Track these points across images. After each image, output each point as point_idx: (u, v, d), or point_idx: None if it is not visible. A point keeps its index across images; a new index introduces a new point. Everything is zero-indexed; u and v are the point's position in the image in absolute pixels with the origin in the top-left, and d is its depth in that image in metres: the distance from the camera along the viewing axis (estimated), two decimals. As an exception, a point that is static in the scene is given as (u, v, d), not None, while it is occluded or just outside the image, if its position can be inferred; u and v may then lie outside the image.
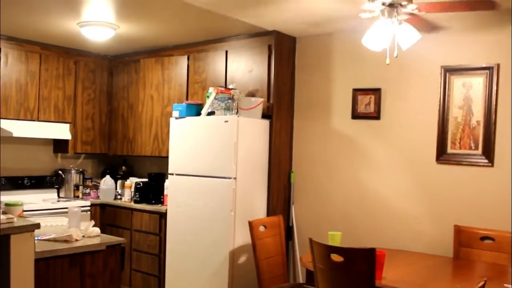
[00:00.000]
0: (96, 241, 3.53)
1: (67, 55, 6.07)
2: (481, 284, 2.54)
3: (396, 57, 3.43)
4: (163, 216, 5.26)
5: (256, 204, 4.82)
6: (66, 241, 3.42)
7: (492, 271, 3.67)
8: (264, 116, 4.88)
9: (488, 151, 4.06)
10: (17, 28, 5.25)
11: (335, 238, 3.85)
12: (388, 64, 3.49)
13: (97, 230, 3.70)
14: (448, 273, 3.74)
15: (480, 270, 3.73)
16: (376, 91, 4.61)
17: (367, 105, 4.67)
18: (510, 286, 3.20)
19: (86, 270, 3.40)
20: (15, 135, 5.42)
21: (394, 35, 3.34)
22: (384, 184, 4.59)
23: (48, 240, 3.43)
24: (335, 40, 4.89)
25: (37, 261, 3.07)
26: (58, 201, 5.92)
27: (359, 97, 4.72)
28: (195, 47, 5.56)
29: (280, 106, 4.99)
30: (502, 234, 3.92)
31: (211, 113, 4.79)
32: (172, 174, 5.06)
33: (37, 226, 3.07)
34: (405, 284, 3.14)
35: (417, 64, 4.40)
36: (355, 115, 4.75)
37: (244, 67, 5.09)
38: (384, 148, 4.59)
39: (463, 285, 3.26)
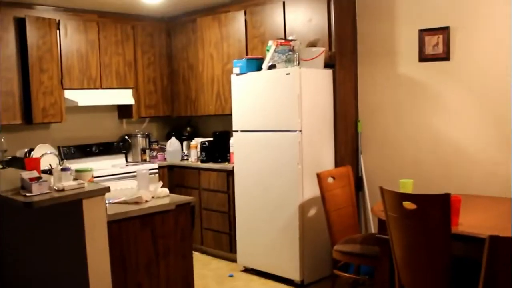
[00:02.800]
0: (166, 201, 3.55)
1: (124, 20, 6.09)
2: None
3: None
4: (230, 173, 5.26)
5: (323, 156, 4.73)
6: (136, 203, 3.45)
7: None
8: (327, 65, 4.73)
9: None
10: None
11: (407, 186, 3.73)
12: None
13: (166, 190, 3.71)
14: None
15: None
16: (445, 30, 4.36)
17: (435, 46, 4.43)
18: None
19: (158, 230, 3.43)
20: (80, 104, 5.52)
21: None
22: (457, 128, 4.39)
23: (119, 203, 3.47)
24: (398, -22, 4.66)
25: (109, 223, 3.11)
26: (126, 165, 6.02)
27: (426, 38, 4.47)
28: (252, 1, 5.44)
29: (342, 54, 4.82)
30: None
31: (272, 67, 4.69)
32: (236, 131, 5.03)
33: (107, 189, 3.11)
34: (484, 229, 2.99)
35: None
36: (423, 58, 4.53)
37: (303, 17, 4.92)
38: (455, 90, 4.37)
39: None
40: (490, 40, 4.15)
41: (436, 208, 2.97)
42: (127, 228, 3.27)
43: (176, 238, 3.54)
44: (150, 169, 5.69)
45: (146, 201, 3.49)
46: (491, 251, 2.42)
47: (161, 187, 3.75)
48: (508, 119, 4.10)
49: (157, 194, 3.65)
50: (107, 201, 3.32)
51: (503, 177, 4.15)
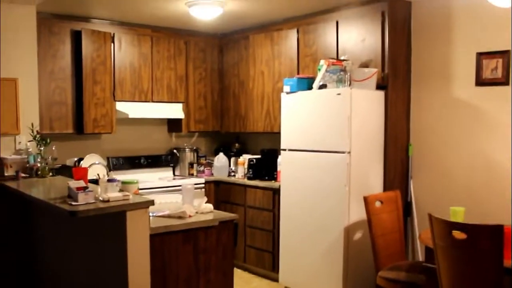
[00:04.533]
0: (209, 217, 3.54)
1: (177, 36, 6.17)
2: None
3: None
4: (276, 192, 5.22)
5: (372, 179, 4.63)
6: (180, 217, 3.45)
7: None
8: (379, 87, 4.65)
9: None
10: (128, 13, 5.41)
11: (458, 214, 3.63)
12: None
13: (210, 206, 3.70)
14: None
15: None
16: (504, 54, 4.21)
17: (494, 69, 4.28)
18: None
19: (200, 245, 3.42)
20: (130, 116, 5.61)
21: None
22: (513, 156, 4.22)
23: (163, 216, 3.48)
24: (454, 0, 4.53)
25: (152, 236, 3.13)
26: (173, 179, 6.06)
27: (484, 62, 4.33)
28: (304, 20, 5.42)
29: (395, 76, 4.73)
30: None
31: (323, 86, 4.65)
32: (284, 149, 5.00)
33: (151, 202, 3.13)
34: (539, 265, 2.86)
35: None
36: (480, 82, 4.38)
37: (356, 36, 4.87)
38: (513, 116, 4.21)
39: None
40: (552, 66, 4.00)
41: (487, 239, 2.87)
42: (169, 242, 3.28)
43: (218, 254, 3.52)
44: (196, 184, 5.71)
45: (190, 216, 3.49)
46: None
47: (206, 202, 3.74)
48: None
49: (201, 210, 3.64)
50: (151, 214, 3.33)
51: (561, 210, 3.97)
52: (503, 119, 4.28)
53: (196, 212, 3.59)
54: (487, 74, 4.33)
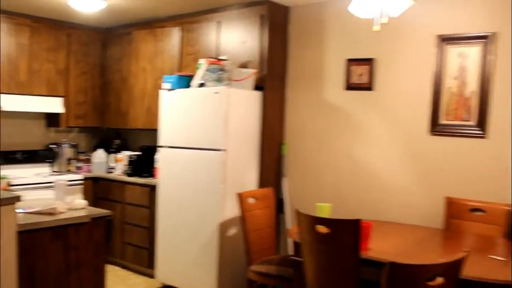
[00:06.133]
0: (82, 213, 3.48)
1: (58, 27, 5.98)
2: (462, 255, 2.48)
3: (386, 23, 3.32)
4: (154, 189, 5.23)
5: (247, 176, 4.77)
6: (50, 213, 3.37)
7: (481, 242, 3.62)
8: (257, 87, 4.80)
9: (482, 122, 3.97)
10: (5, 0, 5.15)
11: (324, 210, 3.80)
12: (377, 31, 3.39)
13: (83, 202, 3.65)
14: (437, 244, 3.69)
15: (469, 241, 3.66)
16: (370, 61, 4.51)
17: (360, 75, 4.57)
18: (496, 257, 3.16)
19: (71, 242, 3.36)
20: (4, 109, 5.37)
21: (383, 1, 3.23)
22: (376, 156, 4.53)
23: (33, 213, 3.38)
24: (329, 9, 4.78)
25: (20, 233, 3.03)
26: (50, 175, 5.87)
27: (352, 68, 4.62)
28: (188, 19, 5.46)
29: (272, 77, 4.90)
30: (493, 206, 3.87)
31: (202, 85, 4.72)
32: (163, 146, 5.00)
33: (17, 198, 3.03)
34: (390, 255, 3.08)
35: (412, 33, 4.29)
36: (348, 86, 4.66)
37: (237, 38, 4.99)
38: (377, 119, 4.52)
39: (451, 257, 3.20)
40: (411, 74, 4.32)
41: (347, 233, 3.02)
42: (38, 239, 3.19)
43: (89, 251, 3.48)
44: (74, 180, 5.58)
45: (61, 212, 3.42)
46: (390, 277, 2.49)
47: (82, 199, 3.68)
48: (423, 150, 4.27)
49: (74, 206, 3.58)
50: (20, 211, 3.25)
51: (415, 206, 4.31)
52: (367, 122, 4.57)
53: (69, 209, 3.54)
54: (354, 79, 4.61)
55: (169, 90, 4.94)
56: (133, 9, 5.42)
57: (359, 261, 3.03)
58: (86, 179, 5.89)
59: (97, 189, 5.95)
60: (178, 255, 4.85)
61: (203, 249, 4.63)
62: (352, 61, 4.62)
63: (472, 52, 4.00)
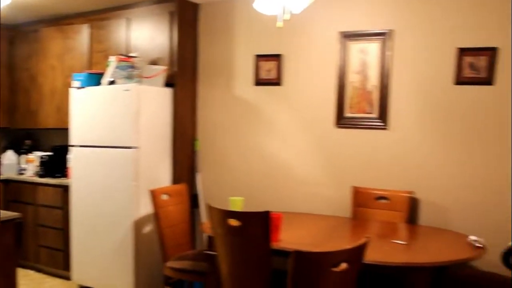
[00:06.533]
0: (-12, 217, 3.40)
1: (-39, 24, 5.76)
2: (362, 241, 2.62)
3: (292, 20, 3.42)
4: (67, 189, 5.13)
5: (160, 173, 4.78)
6: (-47, 218, 3.27)
7: (386, 228, 3.82)
8: (168, 84, 4.81)
9: (383, 114, 4.18)
10: None
11: (237, 204, 3.87)
12: (282, 27, 3.48)
13: (-12, 205, 3.56)
14: (345, 232, 3.85)
15: (374, 228, 3.85)
16: (278, 57, 4.63)
17: (269, 71, 4.68)
18: (398, 241, 3.34)
19: (-23, 247, 3.27)
20: None
21: (284, -1, 3.33)
22: (286, 149, 4.66)
23: None
24: (237, 6, 4.86)
25: None
26: (-44, 178, 5.66)
27: (261, 64, 4.72)
28: (97, 15, 5.39)
29: (183, 74, 4.93)
30: (396, 194, 4.09)
31: (112, 82, 4.68)
32: (74, 146, 4.93)
33: None
34: (300, 245, 3.20)
35: (316, 30, 4.44)
36: (258, 82, 4.77)
37: (146, 35, 4.98)
38: (286, 114, 4.64)
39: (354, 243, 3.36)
40: (316, 69, 4.48)
41: (257, 225, 3.09)
42: None
43: (0, 255, 3.40)
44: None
45: (-35, 216, 3.33)
46: (296, 265, 2.59)
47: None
48: (330, 143, 4.44)
49: (-21, 210, 3.49)
50: None
51: (324, 197, 4.48)
52: (277, 116, 4.69)
53: (-26, 212, 3.44)
54: (263, 74, 4.72)
55: (79, 88, 4.87)
56: (39, 6, 5.29)
57: (270, 252, 3.11)
58: (-5, 181, 5.71)
59: (8, 191, 5.76)
60: (94, 255, 4.80)
61: (119, 248, 4.61)
62: (260, 57, 4.72)
63: (372, 48, 4.20)
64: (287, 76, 4.61)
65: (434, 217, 4.01)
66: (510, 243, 3.17)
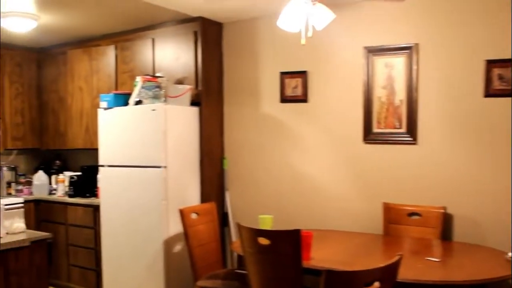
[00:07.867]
0: (21, 237, 3.46)
1: (-9, 48, 5.88)
2: (395, 259, 2.59)
3: (315, 36, 3.41)
4: (97, 209, 5.18)
5: (189, 192, 4.80)
6: (-13, 239, 3.33)
7: (419, 245, 3.77)
8: (194, 103, 4.84)
9: (412, 129, 4.14)
10: None
11: (266, 222, 3.87)
12: (307, 44, 3.47)
13: (21, 226, 3.62)
14: (377, 249, 3.82)
15: (407, 245, 3.81)
16: (303, 74, 4.64)
17: (295, 88, 4.69)
18: (431, 259, 3.30)
19: (10, 267, 3.33)
20: None
21: (308, 16, 3.33)
22: (314, 166, 4.64)
23: (-32, 240, 3.34)
24: (261, 24, 4.89)
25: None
26: (-11, 199, 5.74)
27: (287, 81, 4.73)
28: (122, 36, 5.47)
29: (208, 93, 4.96)
30: (428, 210, 4.03)
31: (139, 102, 4.73)
32: (103, 166, 4.98)
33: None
34: (332, 263, 3.18)
35: (340, 45, 4.44)
36: (284, 99, 4.77)
37: (171, 54, 5.04)
38: (314, 130, 4.63)
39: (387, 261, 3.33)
40: (342, 85, 4.47)
41: (288, 244, 3.09)
42: (-24, 267, 3.16)
43: (31, 275, 3.46)
44: (15, 204, 5.42)
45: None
46: (327, 285, 2.57)
47: (23, 222, 3.65)
48: (358, 159, 4.42)
49: (12, 230, 3.56)
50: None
51: (354, 213, 4.44)
52: (304, 133, 4.69)
53: (7, 233, 3.50)
54: (289, 91, 4.73)
55: (107, 108, 4.93)
56: (66, 28, 5.38)
57: (301, 271, 3.10)
58: (27, 202, 5.75)
59: (39, 211, 5.85)
60: (125, 275, 4.82)
61: (150, 267, 4.62)
62: (285, 74, 4.74)
63: (398, 62, 4.18)
64: (313, 93, 4.61)
65: (469, 233, 3.93)
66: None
